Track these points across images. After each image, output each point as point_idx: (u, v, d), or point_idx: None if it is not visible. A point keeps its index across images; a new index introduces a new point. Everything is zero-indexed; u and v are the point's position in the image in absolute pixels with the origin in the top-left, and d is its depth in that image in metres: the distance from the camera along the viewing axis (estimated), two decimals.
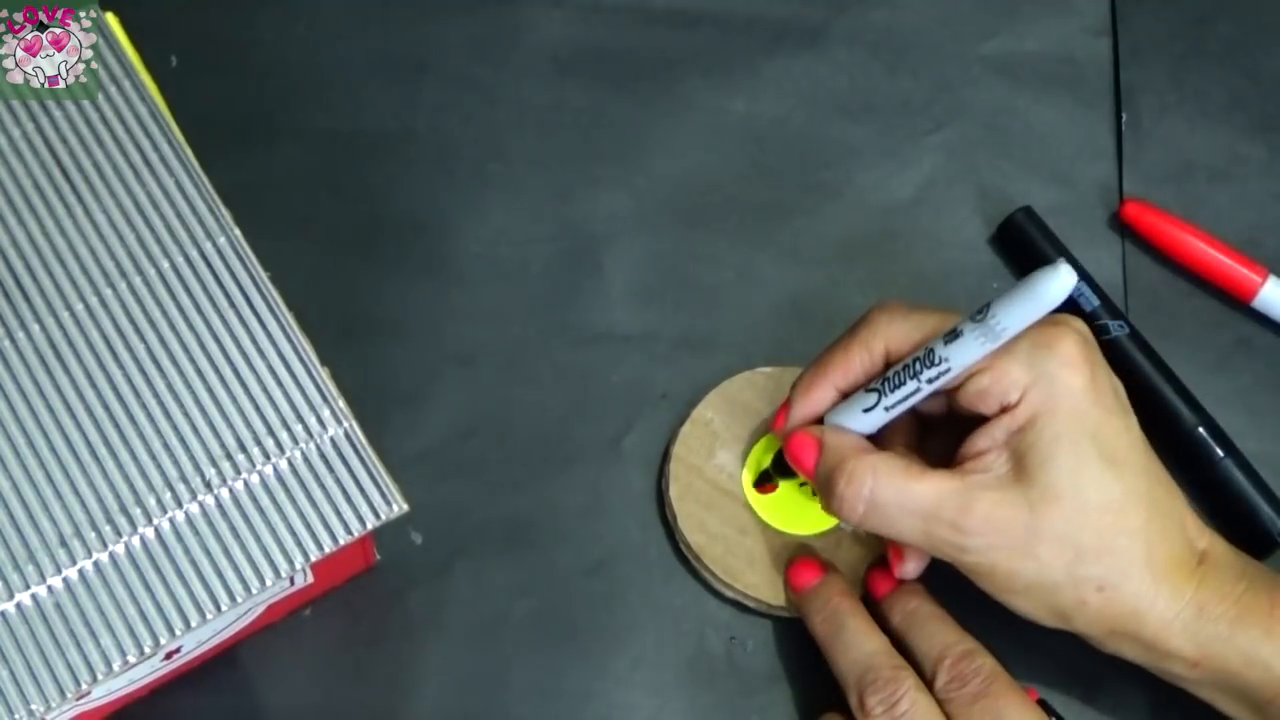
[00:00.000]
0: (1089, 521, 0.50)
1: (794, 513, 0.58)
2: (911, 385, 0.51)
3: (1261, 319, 0.62)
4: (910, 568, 0.55)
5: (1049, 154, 0.65)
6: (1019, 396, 0.50)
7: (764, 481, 0.58)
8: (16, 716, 0.44)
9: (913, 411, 0.53)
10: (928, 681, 0.52)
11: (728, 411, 0.59)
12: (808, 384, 0.55)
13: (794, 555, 0.57)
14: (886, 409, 0.52)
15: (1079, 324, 0.51)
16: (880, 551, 0.57)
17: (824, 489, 0.53)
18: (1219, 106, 0.66)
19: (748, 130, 0.65)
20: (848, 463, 0.52)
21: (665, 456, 0.59)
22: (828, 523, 0.58)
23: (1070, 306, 0.58)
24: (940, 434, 0.54)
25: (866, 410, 0.52)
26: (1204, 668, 0.51)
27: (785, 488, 0.58)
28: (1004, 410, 0.50)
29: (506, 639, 0.57)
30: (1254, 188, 0.65)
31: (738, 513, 0.58)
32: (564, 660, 0.57)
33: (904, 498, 0.51)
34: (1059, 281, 0.46)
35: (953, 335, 0.49)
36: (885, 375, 0.52)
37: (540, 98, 0.65)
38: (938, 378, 0.50)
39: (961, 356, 0.49)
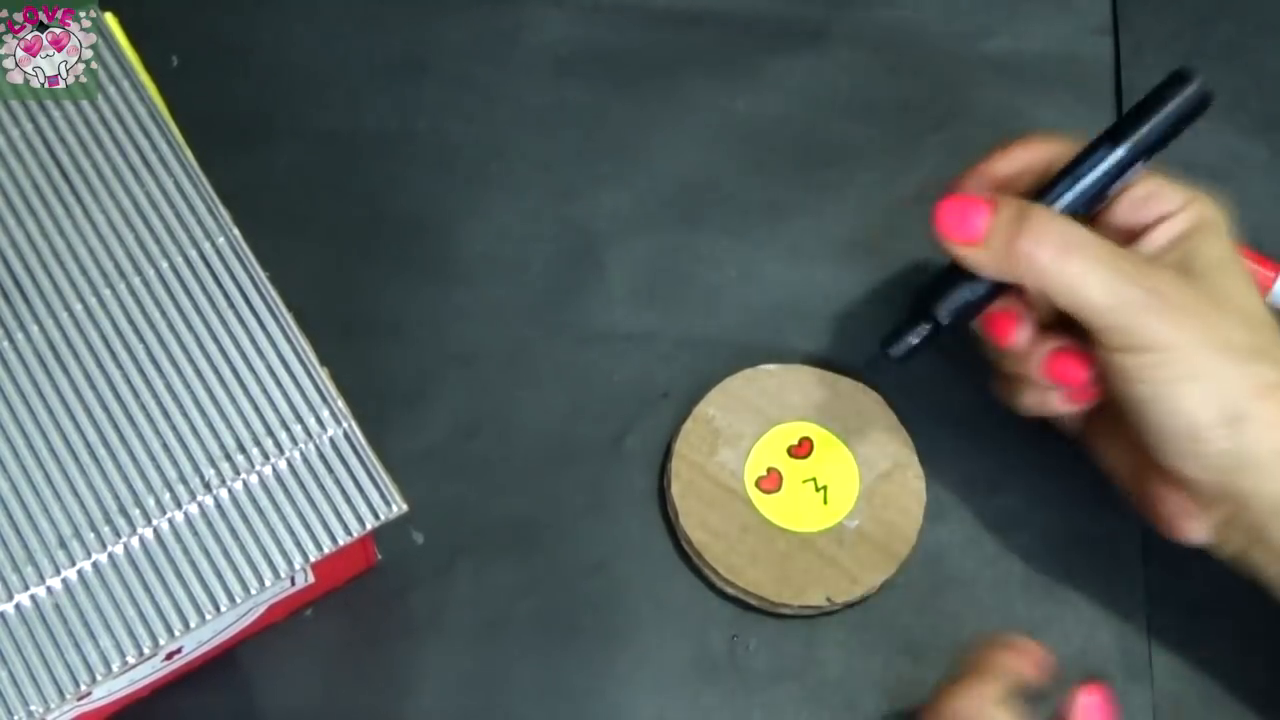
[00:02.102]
0: (1259, 323, 0.51)
1: (797, 511, 0.58)
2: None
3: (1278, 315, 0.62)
4: (1195, 527, 0.52)
5: None
6: (1180, 204, 0.52)
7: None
8: (16, 717, 0.44)
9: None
10: None
11: (730, 408, 0.59)
12: (964, 176, 0.55)
13: (747, 579, 0.56)
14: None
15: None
16: (878, 547, 0.57)
17: (1008, 234, 0.50)
18: (1220, 106, 0.66)
19: (749, 130, 0.65)
20: (1037, 207, 0.51)
21: (667, 454, 0.59)
22: (831, 520, 0.58)
23: None
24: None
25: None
26: None
27: (788, 485, 0.58)
28: (1162, 219, 0.52)
29: (508, 638, 0.57)
30: (1256, 188, 0.65)
31: (740, 510, 0.58)
32: (566, 659, 0.57)
33: (1100, 244, 0.50)
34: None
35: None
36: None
37: (540, 97, 0.65)
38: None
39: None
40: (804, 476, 0.58)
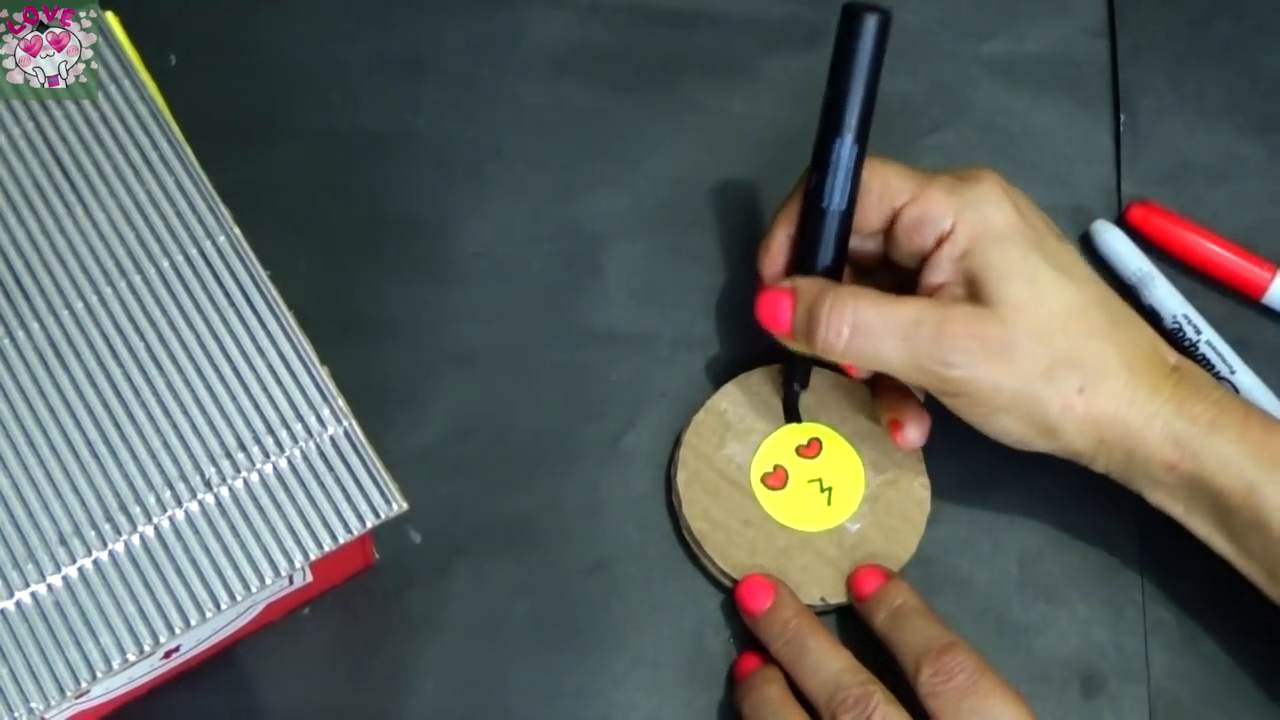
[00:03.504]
0: (1056, 326, 0.52)
1: (800, 509, 0.58)
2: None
3: (1272, 314, 0.62)
4: (911, 434, 0.57)
5: (1047, 155, 0.65)
6: (951, 223, 0.53)
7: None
8: (16, 715, 0.44)
9: (855, 269, 0.56)
10: (911, 677, 0.52)
11: (743, 403, 0.59)
12: (764, 244, 0.57)
13: (744, 575, 0.57)
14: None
15: (995, 171, 0.55)
16: (877, 552, 0.57)
17: (806, 326, 0.54)
18: (1218, 107, 0.66)
19: (747, 130, 0.65)
20: (827, 294, 0.53)
21: (676, 443, 0.59)
22: (833, 521, 0.58)
23: None
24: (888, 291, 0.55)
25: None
26: (1180, 471, 0.52)
27: (794, 484, 0.58)
28: (941, 241, 0.53)
29: (506, 638, 0.57)
30: (1253, 188, 0.65)
31: (743, 504, 0.58)
32: (563, 660, 0.57)
33: (886, 316, 0.52)
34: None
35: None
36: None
37: (540, 98, 0.65)
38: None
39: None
40: (810, 476, 0.58)
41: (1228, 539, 0.52)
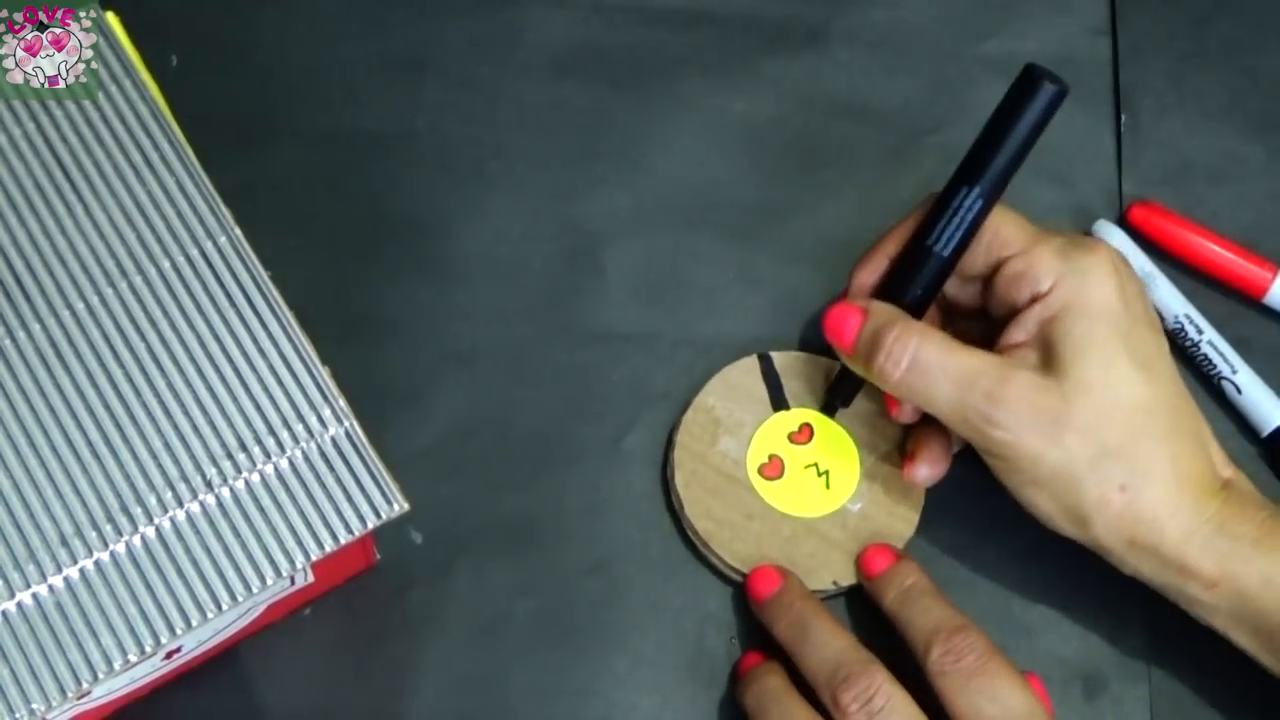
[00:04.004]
0: (1117, 419, 0.51)
1: (799, 496, 0.58)
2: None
3: (1273, 314, 0.62)
4: (923, 472, 0.56)
5: (1048, 154, 0.64)
6: (1050, 284, 0.52)
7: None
8: (17, 715, 0.44)
9: (947, 313, 0.56)
10: (921, 657, 0.52)
11: (730, 397, 0.59)
12: (864, 257, 0.56)
13: (753, 565, 0.57)
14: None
15: (1113, 245, 0.53)
16: (881, 531, 0.57)
17: (868, 350, 0.53)
18: (1218, 107, 0.66)
19: (748, 130, 0.65)
20: (896, 324, 0.53)
21: (669, 444, 0.59)
22: (834, 504, 0.58)
23: None
24: (970, 342, 0.54)
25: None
26: (1221, 589, 0.51)
27: (790, 472, 0.58)
28: (1035, 300, 0.52)
29: (507, 638, 0.57)
30: (1253, 188, 0.65)
31: (743, 498, 0.58)
32: (564, 659, 0.57)
33: (946, 361, 0.52)
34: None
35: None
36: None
37: (540, 98, 0.65)
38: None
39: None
40: (805, 462, 0.58)
41: (1273, 656, 0.51)
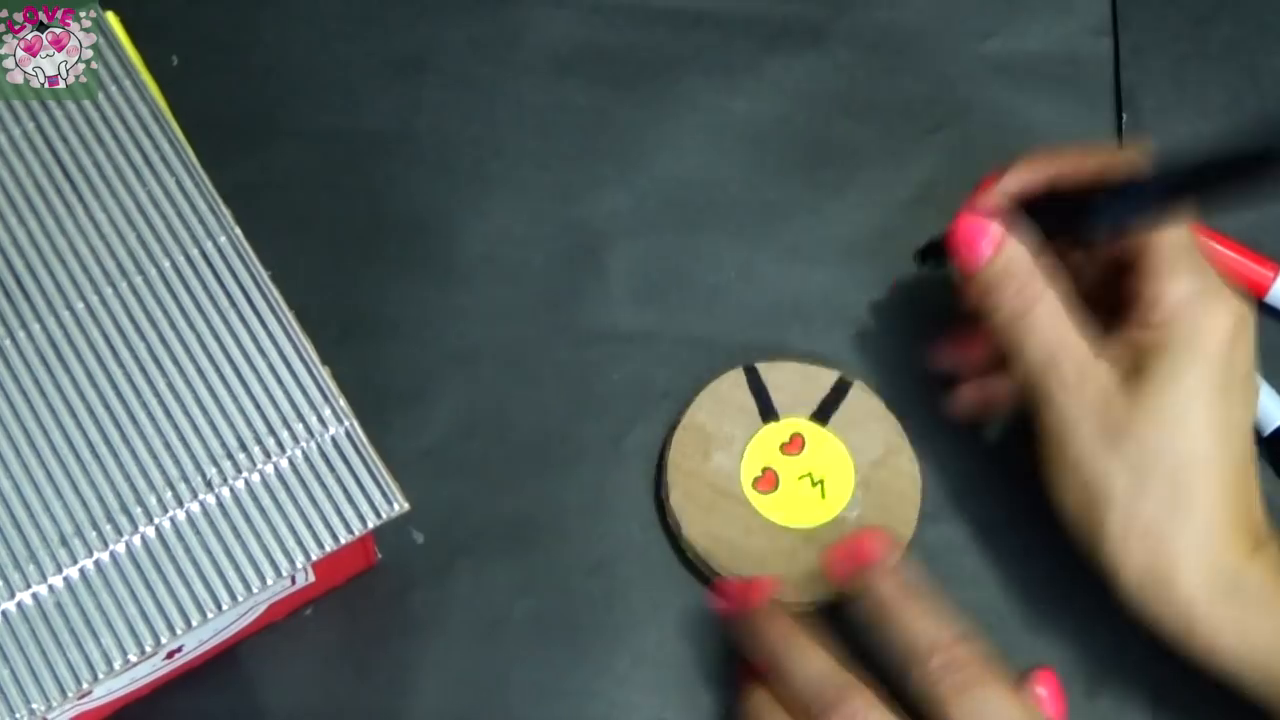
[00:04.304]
0: (1175, 460, 0.50)
1: (796, 507, 0.58)
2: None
3: (1276, 314, 0.62)
4: (967, 394, 0.57)
5: None
6: (1174, 310, 0.51)
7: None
8: (17, 715, 0.44)
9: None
10: (916, 665, 0.50)
11: (719, 412, 0.59)
12: (1030, 163, 0.55)
13: (715, 583, 0.56)
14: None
15: (1247, 308, 0.52)
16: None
17: (986, 287, 0.53)
18: (1219, 106, 0.66)
19: (748, 130, 0.65)
20: (1021, 275, 0.52)
21: (660, 463, 0.59)
22: (831, 513, 0.58)
23: None
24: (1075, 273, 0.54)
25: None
26: (1225, 651, 0.50)
27: (785, 483, 0.58)
28: (1156, 310, 0.51)
29: (507, 638, 0.57)
30: None
31: (740, 513, 0.58)
32: (564, 659, 0.57)
33: (1049, 331, 0.52)
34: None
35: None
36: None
37: (541, 97, 0.65)
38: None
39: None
40: (799, 473, 0.58)
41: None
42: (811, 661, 0.51)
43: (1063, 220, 0.53)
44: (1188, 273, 0.52)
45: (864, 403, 0.59)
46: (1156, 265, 0.52)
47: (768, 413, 0.59)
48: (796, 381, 0.60)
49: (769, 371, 0.60)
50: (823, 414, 0.59)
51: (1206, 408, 0.50)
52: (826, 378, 0.60)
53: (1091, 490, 0.51)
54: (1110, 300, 0.54)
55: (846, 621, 0.57)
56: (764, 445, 0.59)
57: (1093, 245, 0.55)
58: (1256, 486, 0.52)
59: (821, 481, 0.58)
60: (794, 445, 0.59)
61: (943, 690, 0.49)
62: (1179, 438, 0.50)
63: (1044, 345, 0.52)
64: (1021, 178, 0.55)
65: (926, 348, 0.59)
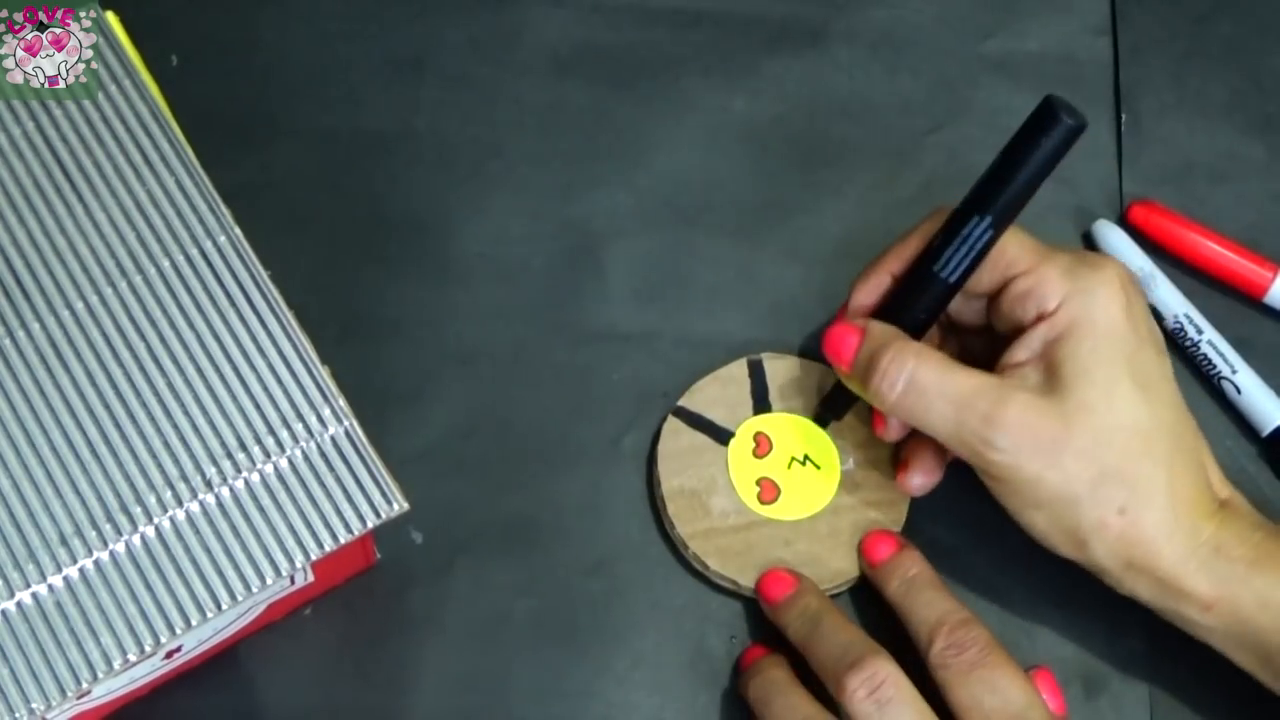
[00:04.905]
0: (1116, 441, 0.51)
1: (804, 495, 0.58)
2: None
3: (1274, 314, 0.62)
4: (916, 481, 0.56)
5: None
6: (1057, 304, 0.51)
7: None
8: (17, 715, 0.44)
9: (950, 328, 0.56)
10: (924, 649, 0.52)
11: (684, 466, 0.58)
12: (865, 274, 0.56)
13: (765, 570, 0.57)
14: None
15: (1122, 262, 0.53)
16: (886, 482, 0.58)
17: (865, 370, 0.53)
18: (1219, 106, 0.66)
19: (748, 129, 0.65)
20: (893, 344, 0.53)
21: (651, 459, 0.59)
22: (834, 477, 0.58)
23: None
24: (974, 358, 0.55)
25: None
26: (1217, 611, 0.51)
27: (783, 482, 0.58)
28: (1040, 319, 0.52)
29: (507, 638, 0.57)
30: (1254, 188, 0.65)
31: (762, 534, 0.57)
32: (564, 659, 0.57)
33: (943, 382, 0.52)
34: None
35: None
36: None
37: (541, 97, 0.65)
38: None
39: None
40: (784, 463, 0.58)
41: (1272, 677, 0.51)
42: (844, 629, 0.53)
43: (921, 293, 0.54)
44: (1047, 258, 0.52)
45: (788, 370, 0.60)
46: (1017, 266, 0.53)
47: (723, 437, 0.59)
48: (716, 393, 0.59)
49: (694, 399, 0.59)
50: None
51: (1126, 390, 0.51)
52: (736, 369, 0.60)
53: (1057, 507, 0.51)
54: (996, 354, 0.54)
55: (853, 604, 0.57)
56: (743, 463, 0.58)
57: (963, 321, 0.56)
58: (1201, 440, 0.53)
59: (807, 455, 0.58)
60: (762, 446, 0.59)
61: (951, 669, 0.51)
62: (1112, 422, 0.51)
63: (947, 399, 0.52)
64: (866, 289, 0.56)
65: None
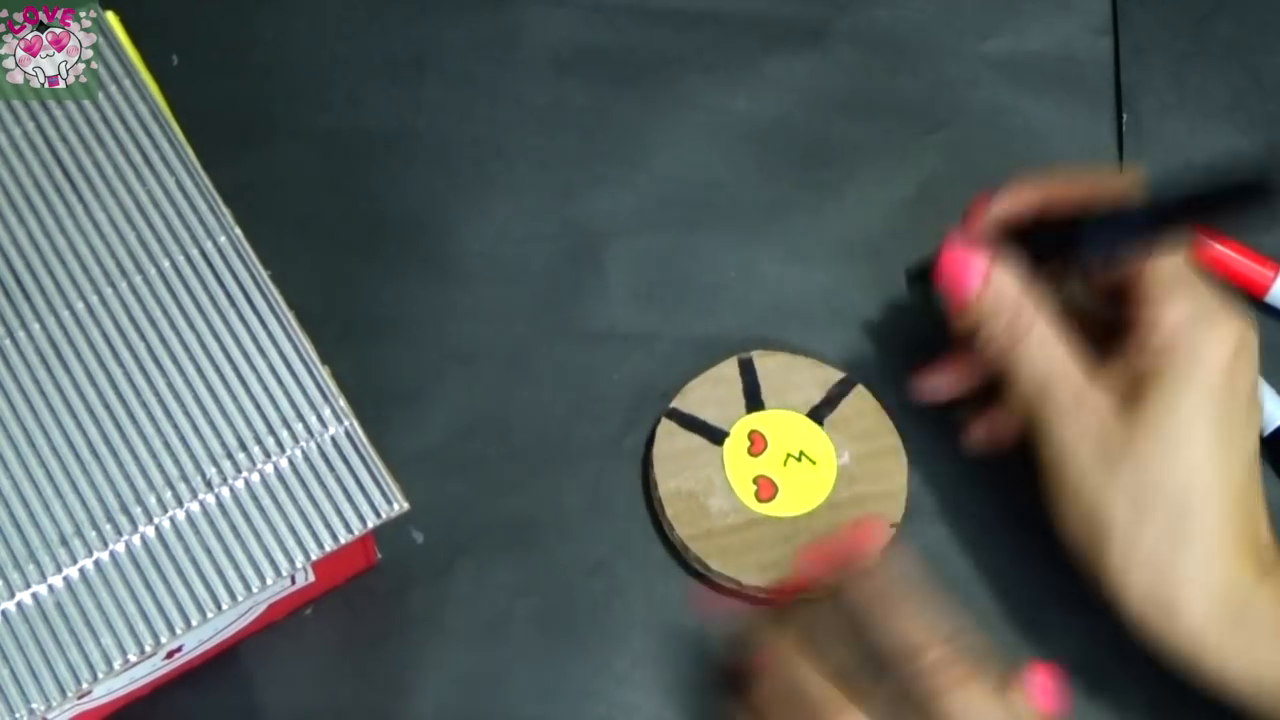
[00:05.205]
0: (1172, 485, 0.50)
1: (802, 490, 0.58)
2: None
3: (1275, 313, 0.62)
4: (938, 382, 0.57)
5: (1049, 153, 0.65)
6: (1177, 327, 0.50)
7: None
8: (17, 715, 0.44)
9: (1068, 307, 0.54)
10: (906, 661, 0.49)
11: (679, 467, 0.58)
12: (1012, 192, 0.54)
13: (767, 569, 0.56)
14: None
15: (1252, 324, 0.52)
16: (881, 474, 0.58)
17: (979, 315, 0.53)
18: (1220, 106, 0.66)
19: (748, 129, 0.65)
20: (1014, 307, 0.52)
21: (647, 461, 0.59)
22: (831, 470, 0.58)
23: None
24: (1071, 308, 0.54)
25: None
26: (1233, 670, 0.50)
27: (779, 478, 0.58)
28: (1155, 333, 0.51)
29: (507, 638, 0.57)
30: None
31: (762, 532, 0.57)
32: (564, 659, 0.57)
33: (1044, 359, 0.51)
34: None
35: None
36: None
37: (541, 97, 0.65)
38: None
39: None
40: (780, 460, 0.58)
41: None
42: (921, 620, 0.50)
43: (1054, 247, 0.53)
44: (1184, 297, 0.51)
45: (781, 365, 0.60)
46: (1151, 291, 0.52)
47: (717, 437, 0.59)
48: (706, 393, 0.59)
49: (687, 400, 0.59)
50: (754, 401, 0.59)
51: (1206, 433, 0.50)
52: (727, 369, 0.60)
53: (1092, 519, 0.51)
54: (1107, 326, 0.53)
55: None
56: (739, 463, 0.58)
57: (1086, 273, 0.55)
58: (1263, 511, 0.52)
59: (802, 452, 0.58)
60: (757, 445, 0.59)
61: (920, 694, 0.49)
62: (1178, 464, 0.50)
63: (1036, 376, 0.52)
64: (1011, 203, 0.54)
65: (923, 352, 0.59)
